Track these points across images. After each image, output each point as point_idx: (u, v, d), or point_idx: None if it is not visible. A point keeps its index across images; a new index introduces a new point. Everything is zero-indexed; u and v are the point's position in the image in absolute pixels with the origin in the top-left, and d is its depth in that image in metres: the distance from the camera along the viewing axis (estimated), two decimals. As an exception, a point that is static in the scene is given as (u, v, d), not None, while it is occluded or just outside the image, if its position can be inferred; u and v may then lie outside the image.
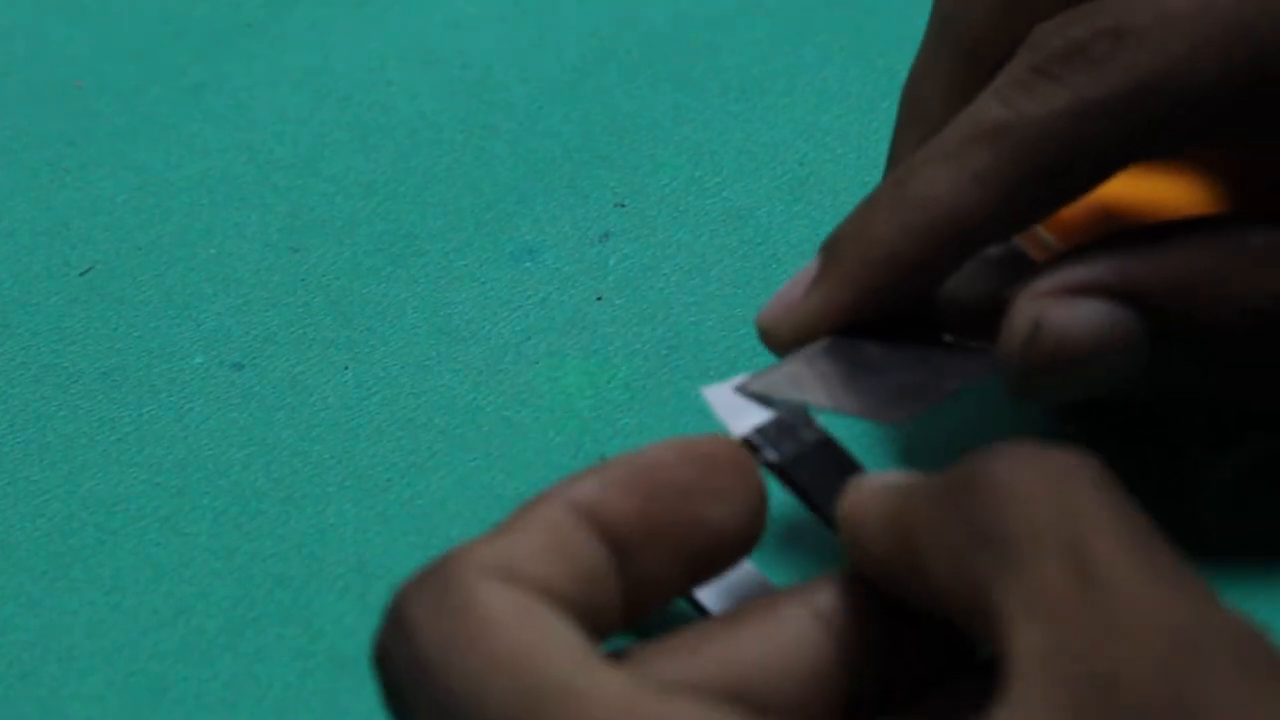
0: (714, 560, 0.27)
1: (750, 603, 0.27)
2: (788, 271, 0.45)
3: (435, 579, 0.25)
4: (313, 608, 0.39)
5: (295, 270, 0.47)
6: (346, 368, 0.44)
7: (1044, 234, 0.36)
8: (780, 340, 0.34)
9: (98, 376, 0.44)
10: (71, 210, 0.49)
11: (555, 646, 0.23)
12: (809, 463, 0.28)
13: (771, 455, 0.28)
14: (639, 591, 0.26)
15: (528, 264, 0.46)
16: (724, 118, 0.50)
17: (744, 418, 0.30)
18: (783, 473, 0.28)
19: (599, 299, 0.45)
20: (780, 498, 0.32)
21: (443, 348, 0.44)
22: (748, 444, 0.28)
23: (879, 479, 0.27)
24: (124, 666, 0.38)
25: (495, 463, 0.41)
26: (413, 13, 0.55)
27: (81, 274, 0.47)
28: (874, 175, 0.47)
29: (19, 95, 0.53)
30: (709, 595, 0.31)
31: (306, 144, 0.51)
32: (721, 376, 0.43)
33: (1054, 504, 0.24)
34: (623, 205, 0.48)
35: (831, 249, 0.33)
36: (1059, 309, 0.31)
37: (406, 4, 0.55)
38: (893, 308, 0.33)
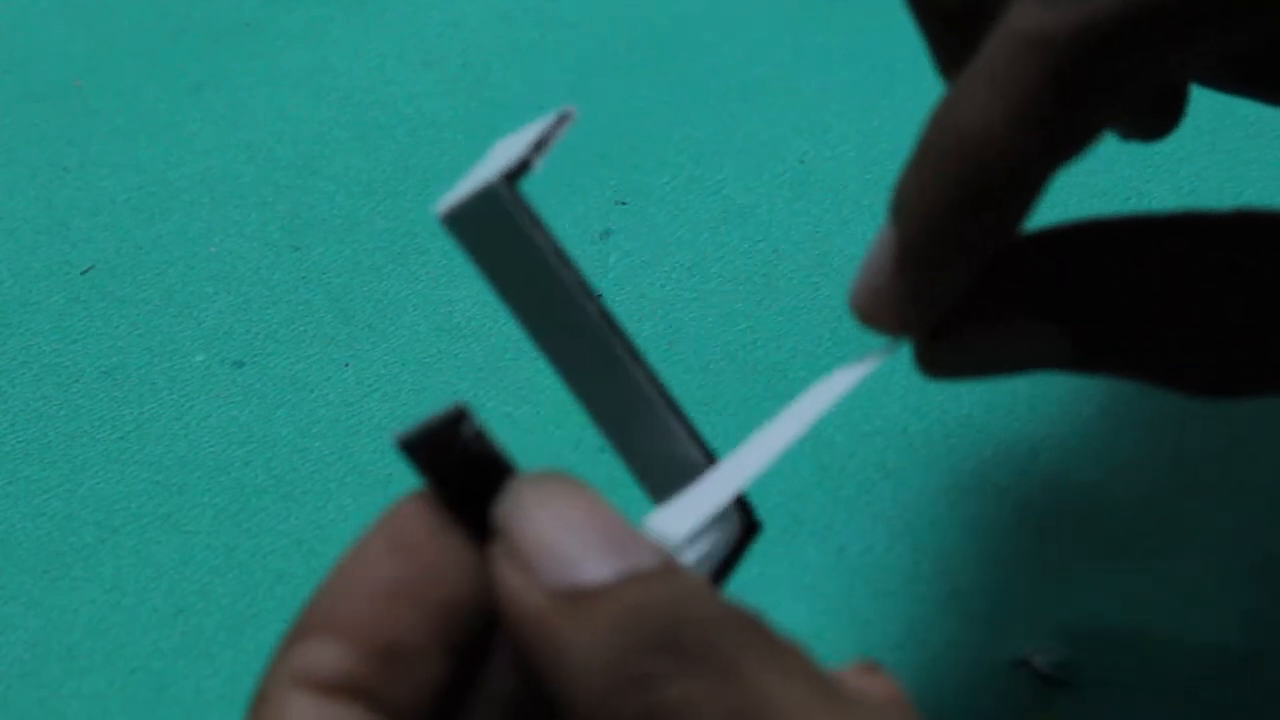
0: (470, 627, 0.25)
1: None
2: (788, 269, 0.45)
3: None
4: (313, 604, 0.39)
5: (296, 268, 0.47)
6: (347, 365, 0.44)
7: None
8: (885, 328, 0.31)
9: (98, 375, 0.44)
10: (72, 209, 0.49)
11: None
12: (467, 481, 0.25)
13: (426, 475, 0.25)
14: (412, 708, 0.24)
15: (528, 261, 0.46)
16: (724, 117, 0.50)
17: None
18: (441, 495, 0.25)
19: (599, 296, 0.45)
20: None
21: (443, 345, 0.44)
22: (401, 449, 0.25)
23: (537, 557, 0.24)
24: (124, 664, 0.38)
25: (496, 458, 0.41)
26: (413, 13, 0.55)
27: (82, 273, 0.47)
28: (874, 172, 0.48)
29: (19, 95, 0.53)
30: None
31: (306, 143, 0.51)
32: (720, 372, 0.43)
33: (726, 699, 0.22)
34: (623, 203, 0.48)
35: (895, 211, 0.30)
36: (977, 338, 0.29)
37: (406, 4, 0.55)
38: (977, 258, 0.29)
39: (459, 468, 0.25)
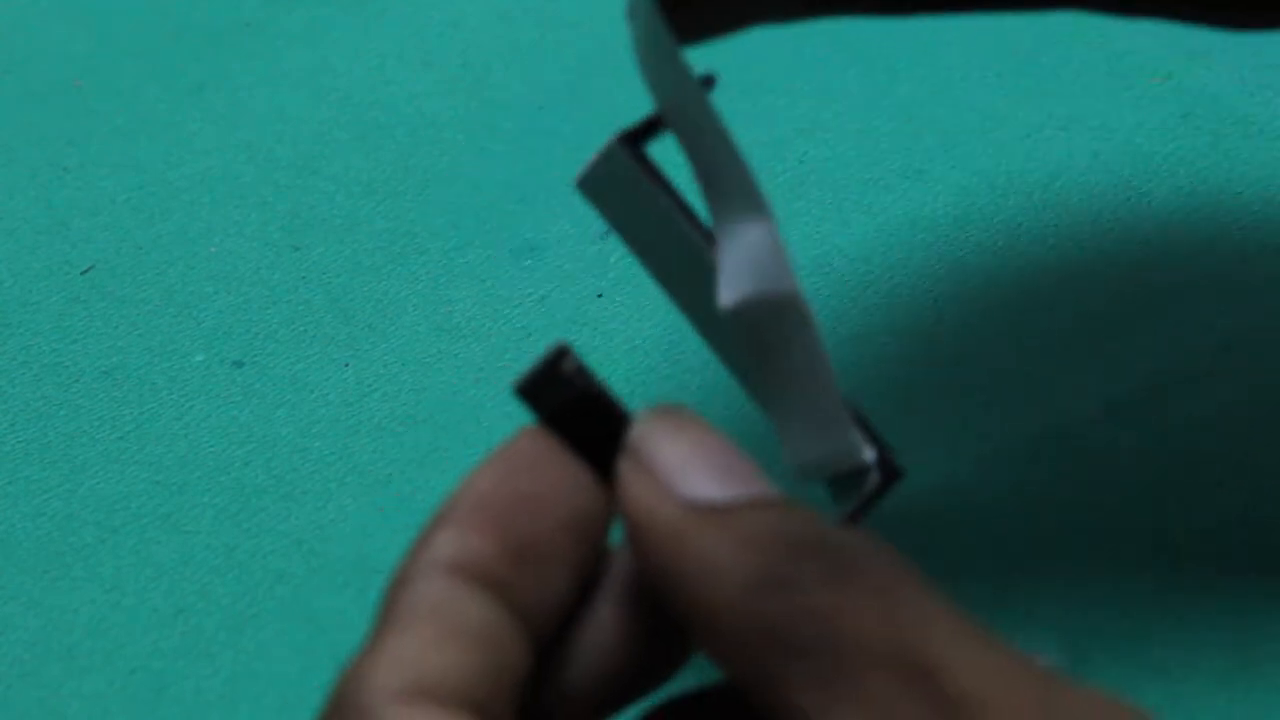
0: (588, 553, 0.26)
1: None
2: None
3: (346, 718, 0.23)
4: (313, 604, 0.39)
5: (295, 268, 0.47)
6: (347, 365, 0.44)
7: None
8: None
9: (98, 375, 0.44)
10: (72, 209, 0.49)
11: None
12: (575, 416, 0.27)
13: (540, 413, 0.27)
14: (535, 619, 0.25)
15: (528, 261, 0.46)
16: (724, 116, 0.50)
17: None
18: (556, 431, 0.27)
19: (599, 296, 0.45)
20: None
21: (443, 345, 0.44)
22: (518, 394, 0.27)
23: (672, 476, 0.25)
24: (124, 664, 0.38)
25: (496, 458, 0.41)
26: (413, 13, 0.55)
27: (82, 273, 0.47)
28: (874, 172, 0.48)
29: (19, 95, 0.53)
30: None
31: (306, 143, 0.51)
32: (721, 372, 0.43)
33: (882, 620, 0.22)
34: (623, 203, 0.48)
35: None
36: None
37: (406, 4, 0.55)
38: None
39: (567, 405, 0.27)
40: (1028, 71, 0.50)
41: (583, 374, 0.27)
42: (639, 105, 0.51)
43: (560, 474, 0.26)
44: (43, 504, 0.42)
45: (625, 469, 0.25)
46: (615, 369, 0.43)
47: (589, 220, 0.47)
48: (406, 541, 0.39)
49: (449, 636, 0.24)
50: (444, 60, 0.53)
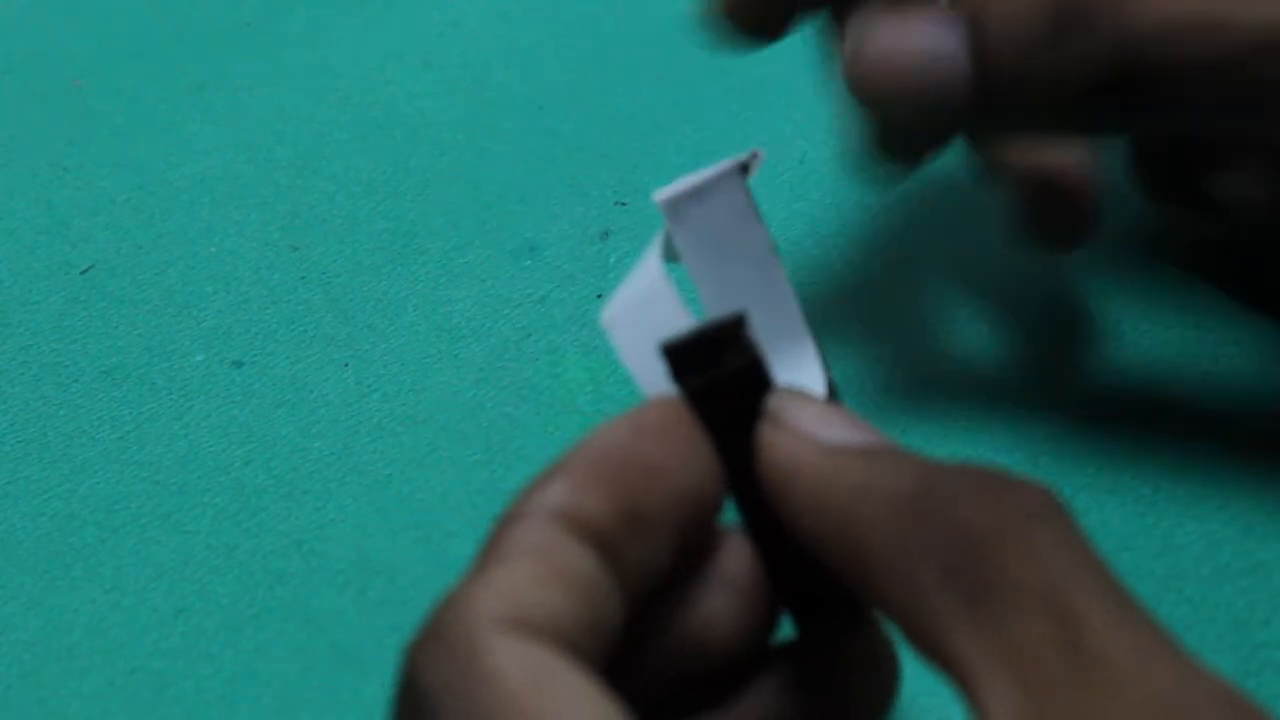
0: (697, 527, 0.26)
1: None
2: (787, 269, 0.45)
3: (444, 641, 0.24)
4: (313, 604, 0.39)
5: (295, 268, 0.47)
6: (347, 365, 0.44)
7: None
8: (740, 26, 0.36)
9: (98, 374, 0.44)
10: (72, 209, 0.49)
11: (573, 713, 0.23)
12: (726, 386, 0.26)
13: (688, 380, 0.27)
14: (635, 581, 0.25)
15: (528, 262, 0.46)
16: (724, 117, 0.50)
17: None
18: (695, 402, 0.27)
19: (599, 296, 0.45)
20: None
21: (443, 345, 0.44)
22: (666, 355, 0.27)
23: (813, 430, 0.26)
24: (124, 664, 0.38)
25: (495, 458, 0.41)
26: (413, 13, 0.55)
27: (82, 273, 0.47)
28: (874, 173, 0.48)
29: (19, 95, 0.53)
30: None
31: (306, 143, 0.51)
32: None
33: (1033, 553, 0.22)
34: (623, 203, 0.48)
35: None
36: (888, 24, 0.31)
37: (406, 4, 0.55)
38: None
39: (726, 374, 0.26)
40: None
41: (756, 344, 0.27)
42: (639, 105, 0.51)
43: (685, 447, 0.26)
44: (43, 504, 0.42)
45: (766, 430, 0.26)
46: (614, 369, 0.43)
47: (589, 220, 0.47)
48: (407, 541, 0.40)
49: (553, 577, 0.24)
50: (444, 60, 0.53)
